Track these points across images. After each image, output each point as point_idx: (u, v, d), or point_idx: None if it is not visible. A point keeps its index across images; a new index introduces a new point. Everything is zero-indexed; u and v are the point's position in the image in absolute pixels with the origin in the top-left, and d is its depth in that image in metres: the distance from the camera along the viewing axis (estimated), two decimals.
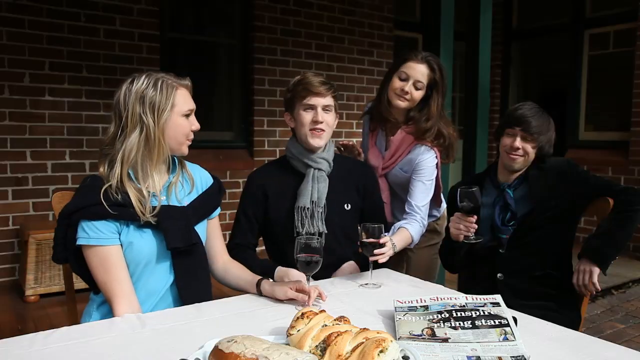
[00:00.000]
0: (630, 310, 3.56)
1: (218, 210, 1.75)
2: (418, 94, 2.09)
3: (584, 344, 1.23)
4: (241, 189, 5.18)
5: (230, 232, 2.00)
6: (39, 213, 3.79)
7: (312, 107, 1.87)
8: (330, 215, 1.92)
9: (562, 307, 1.88)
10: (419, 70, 2.07)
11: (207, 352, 1.10)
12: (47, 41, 3.77)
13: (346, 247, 1.97)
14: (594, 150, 5.44)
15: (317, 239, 1.52)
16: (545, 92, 7.14)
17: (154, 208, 1.49)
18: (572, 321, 1.86)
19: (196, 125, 1.58)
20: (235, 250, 1.90)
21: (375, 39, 5.24)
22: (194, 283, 1.59)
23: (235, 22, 4.75)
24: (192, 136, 1.59)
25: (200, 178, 1.71)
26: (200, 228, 1.64)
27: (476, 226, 1.86)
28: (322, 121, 1.87)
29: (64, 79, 3.85)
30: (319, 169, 1.92)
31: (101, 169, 1.51)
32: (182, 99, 1.53)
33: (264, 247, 2.07)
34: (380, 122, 2.25)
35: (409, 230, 2.03)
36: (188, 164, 1.69)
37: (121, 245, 1.49)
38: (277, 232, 1.95)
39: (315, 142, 1.89)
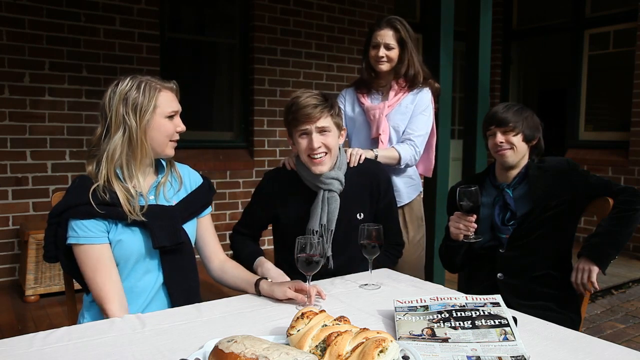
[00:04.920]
0: (630, 310, 3.56)
1: (209, 210, 1.75)
2: (393, 53, 2.32)
3: (584, 344, 1.22)
4: (241, 189, 5.15)
5: (234, 226, 2.03)
6: (39, 213, 3.79)
7: (307, 133, 1.80)
8: (341, 232, 1.89)
9: (562, 307, 1.88)
10: (385, 34, 2.31)
11: (207, 352, 1.10)
12: (47, 41, 3.78)
13: (352, 265, 1.89)
14: (594, 150, 5.44)
15: (318, 239, 1.51)
16: (545, 92, 7.15)
17: (142, 207, 1.52)
18: (572, 321, 1.86)
19: (181, 127, 1.59)
20: (237, 236, 2.02)
21: None
22: (182, 281, 1.61)
23: (235, 22, 4.75)
24: (176, 137, 1.60)
25: (189, 177, 1.72)
26: (190, 227, 1.65)
27: (476, 225, 1.87)
28: (318, 146, 1.79)
29: (64, 79, 3.85)
30: (330, 190, 1.87)
31: (89, 169, 1.54)
32: (166, 101, 1.54)
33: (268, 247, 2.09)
34: (371, 88, 2.43)
35: (396, 147, 2.26)
36: (177, 165, 1.71)
37: (110, 243, 1.50)
38: (287, 239, 1.80)
39: (317, 169, 1.83)
